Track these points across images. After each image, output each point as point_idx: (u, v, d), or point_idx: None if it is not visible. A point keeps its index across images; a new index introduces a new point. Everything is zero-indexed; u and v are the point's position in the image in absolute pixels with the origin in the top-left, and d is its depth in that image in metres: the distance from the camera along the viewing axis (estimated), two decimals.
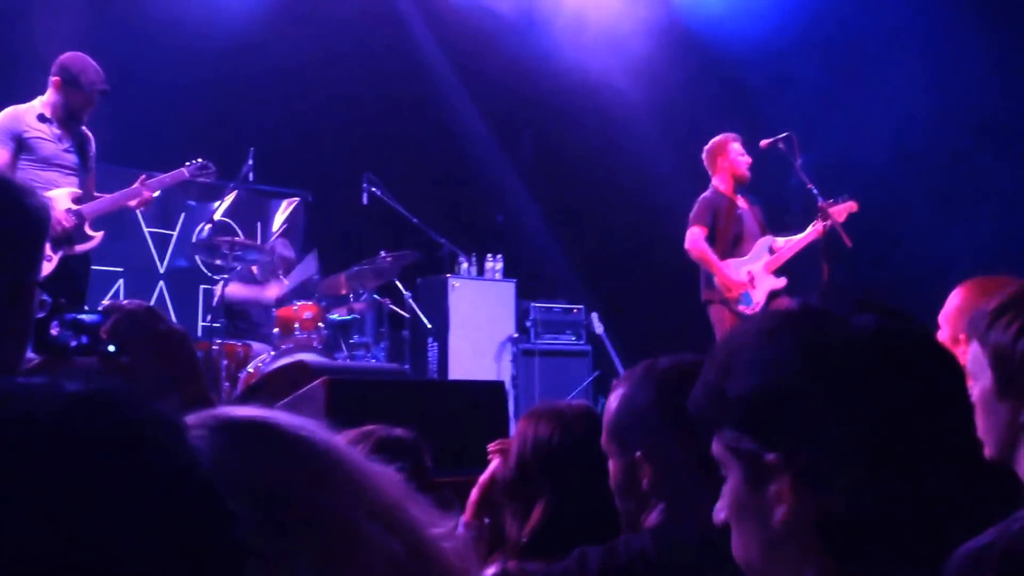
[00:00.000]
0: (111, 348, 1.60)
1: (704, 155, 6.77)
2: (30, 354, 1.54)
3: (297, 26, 8.29)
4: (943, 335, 2.38)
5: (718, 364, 1.09)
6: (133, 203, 5.82)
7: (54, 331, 1.57)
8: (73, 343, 1.59)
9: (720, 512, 1.10)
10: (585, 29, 9.03)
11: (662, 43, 8.76)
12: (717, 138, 6.74)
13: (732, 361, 1.08)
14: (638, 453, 1.90)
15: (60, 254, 5.43)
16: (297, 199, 9.05)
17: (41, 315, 1.50)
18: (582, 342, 8.63)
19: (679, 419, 1.80)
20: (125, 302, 1.70)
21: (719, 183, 6.66)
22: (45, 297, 1.48)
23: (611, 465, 1.98)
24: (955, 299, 2.47)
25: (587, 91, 9.00)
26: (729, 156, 6.64)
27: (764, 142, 6.63)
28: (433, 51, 9.25)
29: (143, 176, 5.82)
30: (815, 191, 6.41)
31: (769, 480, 1.03)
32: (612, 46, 8.90)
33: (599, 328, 8.50)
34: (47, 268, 5.37)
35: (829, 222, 6.31)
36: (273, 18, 8.28)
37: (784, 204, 7.07)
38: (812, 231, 6.45)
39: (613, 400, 1.99)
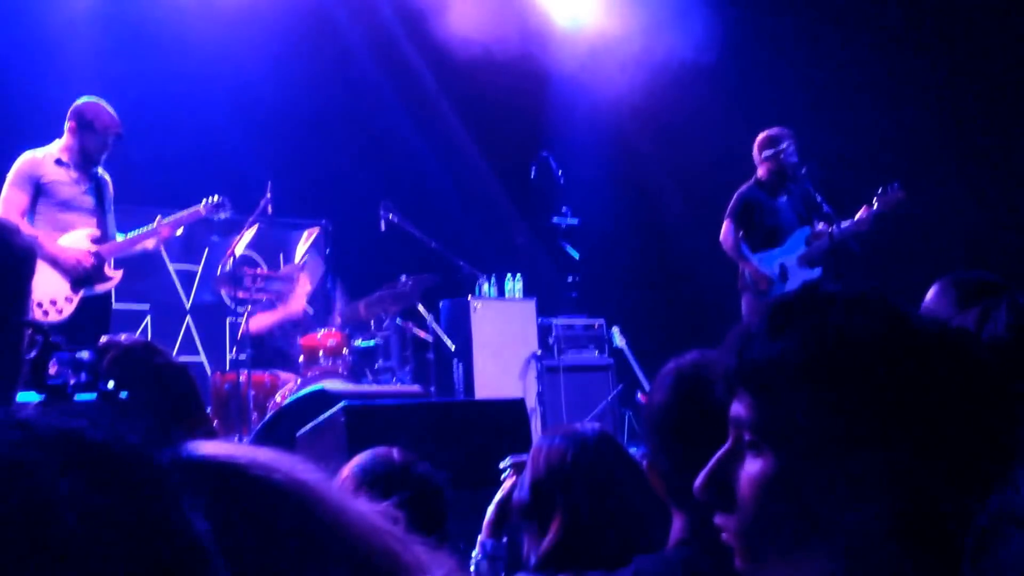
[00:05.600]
0: (110, 385, 1.63)
1: (755, 145, 6.81)
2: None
3: (309, 59, 8.35)
4: None
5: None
6: (151, 244, 5.89)
7: (52, 370, 1.59)
8: (72, 381, 1.61)
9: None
10: (591, 52, 9.05)
11: (668, 63, 8.75)
12: (771, 131, 6.77)
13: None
14: (647, 460, 1.85)
15: (81, 295, 5.49)
16: (317, 228, 9.11)
17: (35, 354, 1.52)
18: (604, 356, 8.62)
19: (692, 422, 1.69)
20: (122, 338, 1.72)
21: (762, 175, 6.75)
22: (38, 336, 1.51)
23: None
24: (934, 293, 2.46)
25: (598, 110, 9.01)
26: (775, 151, 6.66)
27: None
28: (444, 76, 9.29)
29: (159, 217, 5.90)
30: (836, 218, 6.42)
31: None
32: (618, 67, 8.90)
33: (621, 341, 8.47)
34: (68, 309, 5.43)
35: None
36: (287, 52, 8.35)
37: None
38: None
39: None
